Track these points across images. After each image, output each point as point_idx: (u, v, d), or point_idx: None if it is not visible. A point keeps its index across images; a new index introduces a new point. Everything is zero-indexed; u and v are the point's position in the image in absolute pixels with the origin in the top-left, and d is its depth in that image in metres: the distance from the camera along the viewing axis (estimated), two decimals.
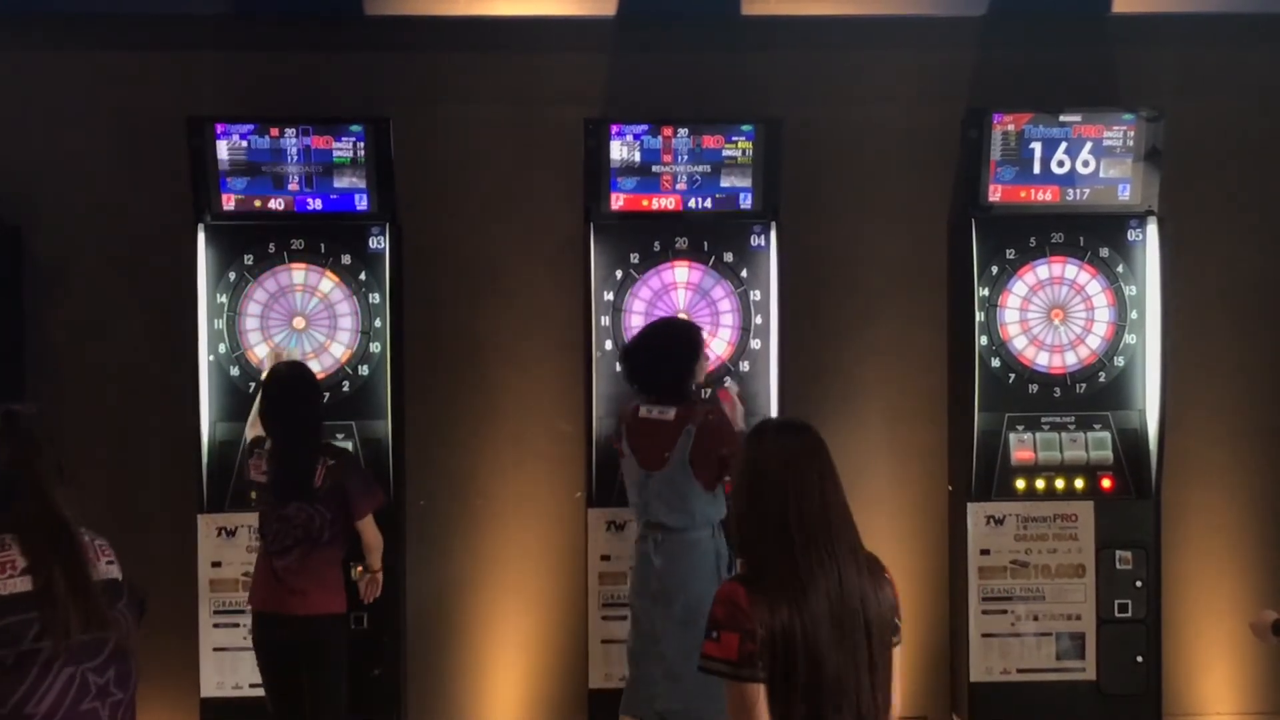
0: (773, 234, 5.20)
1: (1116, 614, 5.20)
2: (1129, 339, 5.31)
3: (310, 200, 5.19)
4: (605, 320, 5.23)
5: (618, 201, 5.22)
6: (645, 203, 5.23)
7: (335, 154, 5.16)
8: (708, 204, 5.24)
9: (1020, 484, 5.25)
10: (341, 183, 5.18)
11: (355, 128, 5.14)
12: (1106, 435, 5.27)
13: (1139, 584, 5.20)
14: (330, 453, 4.64)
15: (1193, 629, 5.68)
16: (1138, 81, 5.62)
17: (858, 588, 3.04)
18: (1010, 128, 5.24)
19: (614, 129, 5.16)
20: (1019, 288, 5.33)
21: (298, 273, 5.21)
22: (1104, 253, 5.32)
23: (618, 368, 5.22)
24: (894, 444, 5.69)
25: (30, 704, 3.01)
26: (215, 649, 5.04)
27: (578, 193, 5.25)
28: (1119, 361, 5.32)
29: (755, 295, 5.24)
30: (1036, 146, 5.25)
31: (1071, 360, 5.32)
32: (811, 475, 3.08)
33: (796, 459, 3.09)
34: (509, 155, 5.62)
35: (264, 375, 4.80)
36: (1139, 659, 5.20)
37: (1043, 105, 5.26)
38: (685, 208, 5.24)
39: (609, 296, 5.24)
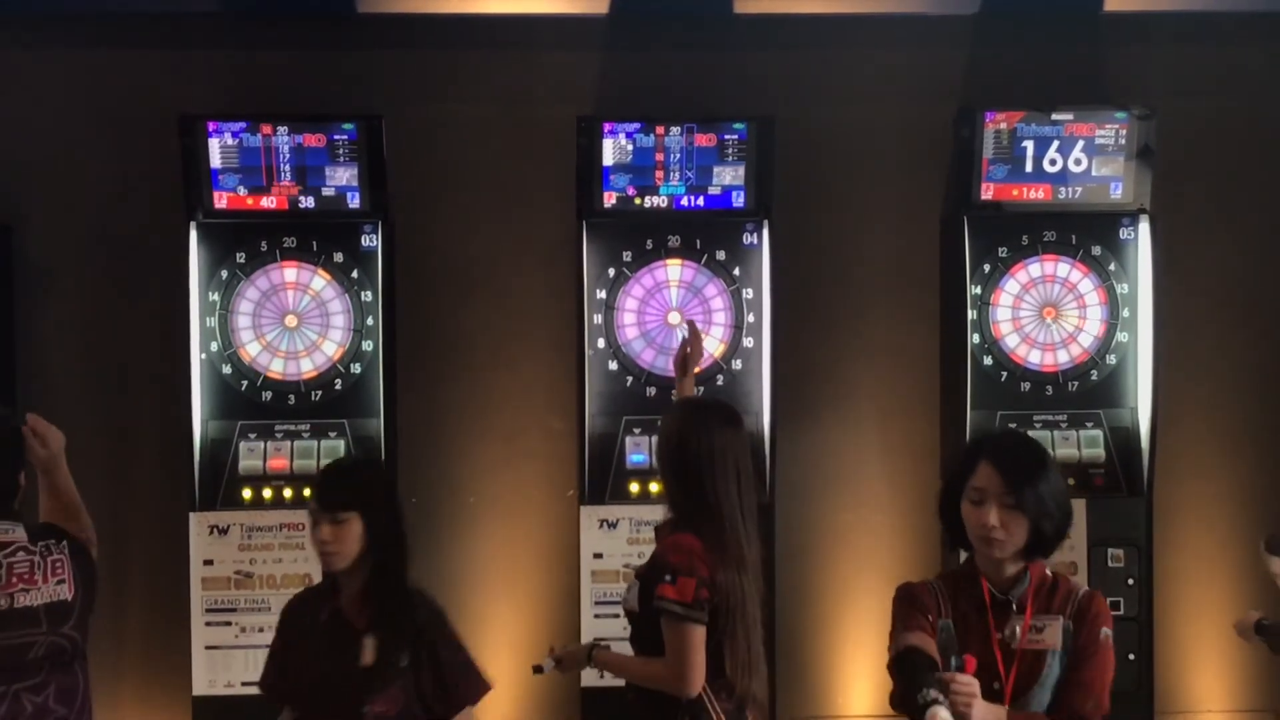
0: (765, 232, 5.21)
1: None
2: (1121, 337, 5.32)
3: (303, 198, 5.18)
4: (598, 318, 5.23)
5: (610, 199, 5.22)
6: (638, 201, 5.23)
7: (328, 152, 5.16)
8: (700, 202, 5.24)
9: None
10: (334, 180, 5.18)
11: (347, 125, 5.13)
12: (1098, 433, 5.28)
13: (1131, 582, 5.21)
14: None
15: (1185, 627, 5.69)
16: (1130, 80, 5.62)
17: (761, 560, 3.48)
18: (1002, 126, 5.24)
19: (606, 127, 5.16)
20: (1011, 286, 5.34)
21: (290, 271, 5.21)
22: (1096, 251, 5.33)
23: (611, 366, 5.23)
24: (887, 442, 5.69)
25: None
26: (207, 647, 5.03)
27: (570, 191, 5.25)
28: (1111, 359, 5.32)
29: (748, 293, 5.25)
30: (1028, 145, 5.25)
31: (1063, 358, 5.33)
32: (742, 456, 3.45)
33: (728, 438, 3.47)
34: (501, 153, 5.62)
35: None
36: (1131, 657, 5.20)
37: (1035, 104, 5.26)
38: (677, 206, 5.24)
39: (601, 295, 5.24)
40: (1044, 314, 5.33)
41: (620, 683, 3.70)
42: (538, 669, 3.81)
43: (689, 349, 4.40)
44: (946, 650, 3.07)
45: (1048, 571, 3.15)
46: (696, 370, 5.08)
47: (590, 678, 5.04)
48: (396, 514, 3.45)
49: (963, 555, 3.32)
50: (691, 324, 4.59)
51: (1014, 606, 3.09)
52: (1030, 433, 5.24)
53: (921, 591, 3.17)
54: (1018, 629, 3.06)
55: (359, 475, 3.51)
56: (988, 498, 3.05)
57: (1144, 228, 5.29)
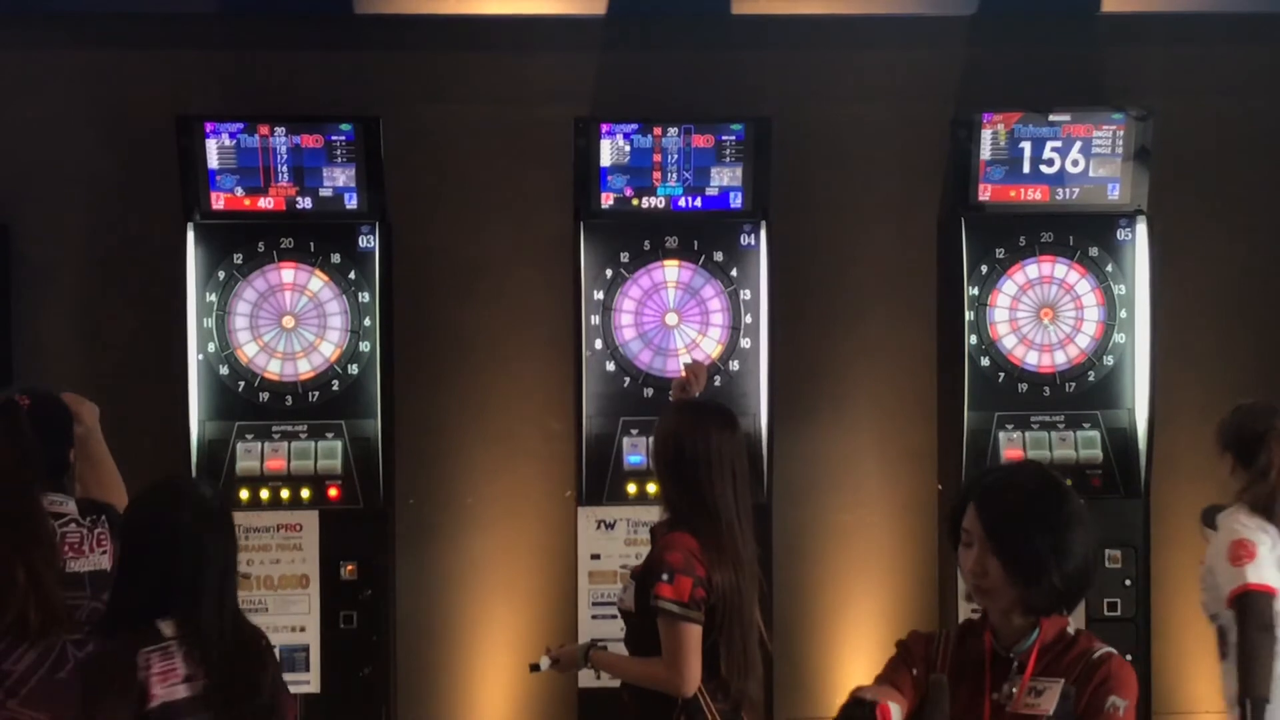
0: (762, 233, 5.21)
1: (1105, 613, 5.20)
2: (1118, 338, 5.32)
3: (300, 199, 5.18)
4: (595, 319, 5.23)
5: (608, 200, 5.22)
6: (635, 202, 5.23)
7: (325, 152, 5.15)
8: (698, 203, 5.24)
9: None
10: (331, 181, 5.18)
11: (345, 126, 5.13)
12: (1095, 434, 5.28)
13: (1128, 583, 5.21)
14: None
15: (1182, 628, 5.68)
16: (1127, 81, 5.62)
17: (757, 561, 3.50)
18: (1000, 127, 5.24)
19: (604, 128, 5.16)
20: (1008, 287, 5.34)
21: (287, 272, 5.20)
22: (1093, 252, 5.33)
23: (608, 366, 5.24)
24: (884, 443, 5.69)
25: (7, 662, 3.17)
26: None
27: (567, 192, 5.25)
28: (1108, 360, 5.33)
29: (745, 294, 5.24)
30: (1026, 146, 5.26)
31: (1061, 359, 5.33)
32: (738, 458, 3.46)
33: (724, 440, 3.47)
34: (499, 154, 5.62)
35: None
36: (1128, 657, 5.19)
37: (1032, 104, 5.27)
38: (675, 207, 5.24)
39: (599, 295, 5.24)
40: (1041, 315, 5.33)
41: (618, 684, 3.71)
42: (534, 667, 3.82)
43: (687, 386, 4.17)
44: (936, 706, 2.68)
45: (1070, 629, 2.67)
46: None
47: (587, 679, 5.04)
48: (121, 555, 3.04)
49: None
50: (697, 363, 4.47)
51: (1015, 665, 2.65)
52: (1027, 434, 5.24)
53: (916, 641, 2.79)
54: (1014, 690, 2.63)
55: (134, 501, 3.16)
56: (974, 541, 2.64)
57: (1141, 229, 5.29)
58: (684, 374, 4.20)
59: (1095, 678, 2.59)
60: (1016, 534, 2.59)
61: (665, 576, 3.34)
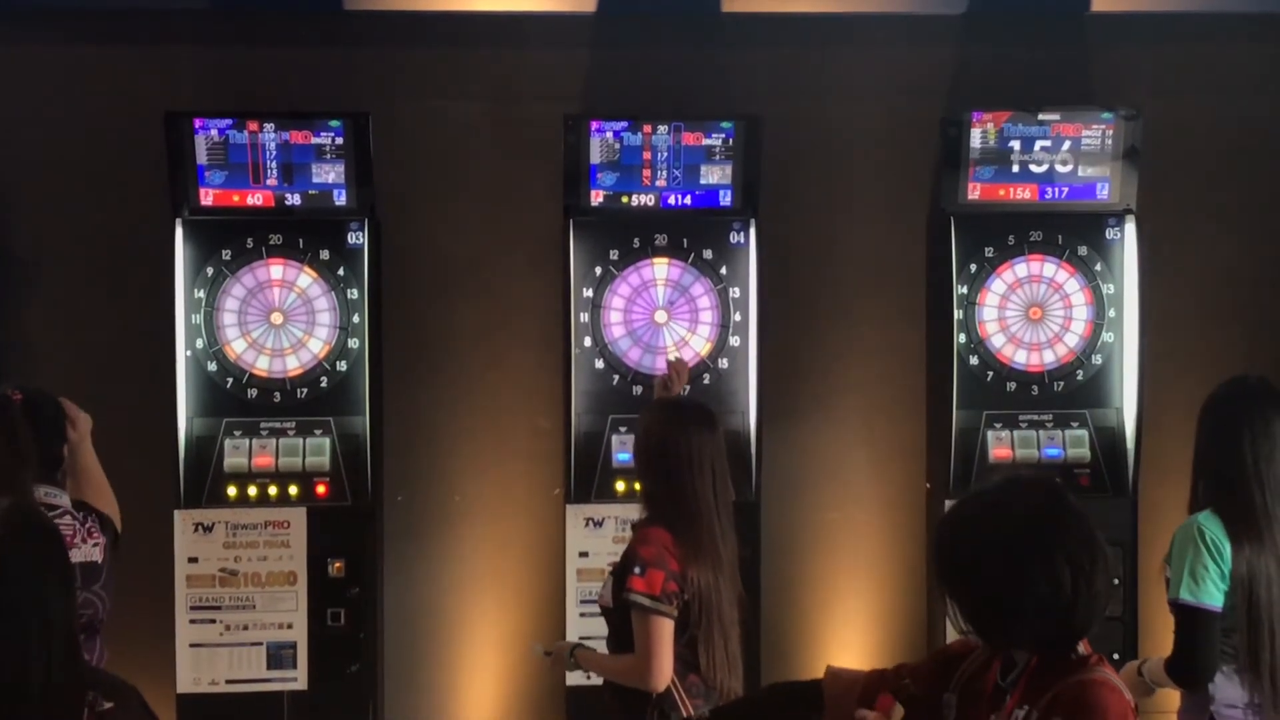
0: (752, 231, 5.21)
1: None
2: (1107, 337, 5.33)
3: (289, 196, 5.17)
4: (584, 317, 5.23)
5: (597, 197, 5.21)
6: (625, 199, 5.23)
7: (314, 149, 5.14)
8: (687, 201, 5.24)
9: None
10: (320, 178, 5.16)
11: (334, 122, 5.12)
12: (1084, 433, 5.29)
13: (1116, 582, 5.21)
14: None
15: (1171, 626, 5.69)
16: (1116, 80, 5.63)
17: (738, 558, 3.54)
18: (989, 126, 5.25)
19: (594, 125, 5.15)
20: (997, 286, 5.34)
21: (276, 268, 5.19)
22: (1082, 251, 5.34)
23: (597, 364, 5.23)
24: (872, 441, 5.70)
25: None
26: (191, 645, 5.02)
27: (557, 189, 5.25)
28: (1097, 360, 5.34)
29: (735, 292, 5.25)
30: (1015, 145, 5.26)
31: (1049, 358, 5.34)
32: (718, 457, 3.48)
33: (704, 439, 3.49)
34: (488, 151, 5.61)
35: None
36: (1115, 656, 5.21)
37: (1022, 104, 5.27)
38: (665, 204, 5.24)
39: (588, 293, 5.24)
40: (1030, 314, 5.34)
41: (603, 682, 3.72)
42: (542, 652, 3.95)
43: (670, 384, 4.28)
44: None
45: (1076, 653, 2.42)
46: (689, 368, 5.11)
47: (575, 676, 5.04)
48: None
49: None
50: (680, 361, 4.54)
51: (1005, 696, 2.49)
52: (1016, 433, 5.24)
53: (934, 660, 2.69)
54: None
55: None
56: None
57: (1130, 228, 5.30)
58: (667, 371, 4.21)
59: (1058, 705, 2.37)
60: (949, 577, 2.45)
61: (637, 570, 3.37)
